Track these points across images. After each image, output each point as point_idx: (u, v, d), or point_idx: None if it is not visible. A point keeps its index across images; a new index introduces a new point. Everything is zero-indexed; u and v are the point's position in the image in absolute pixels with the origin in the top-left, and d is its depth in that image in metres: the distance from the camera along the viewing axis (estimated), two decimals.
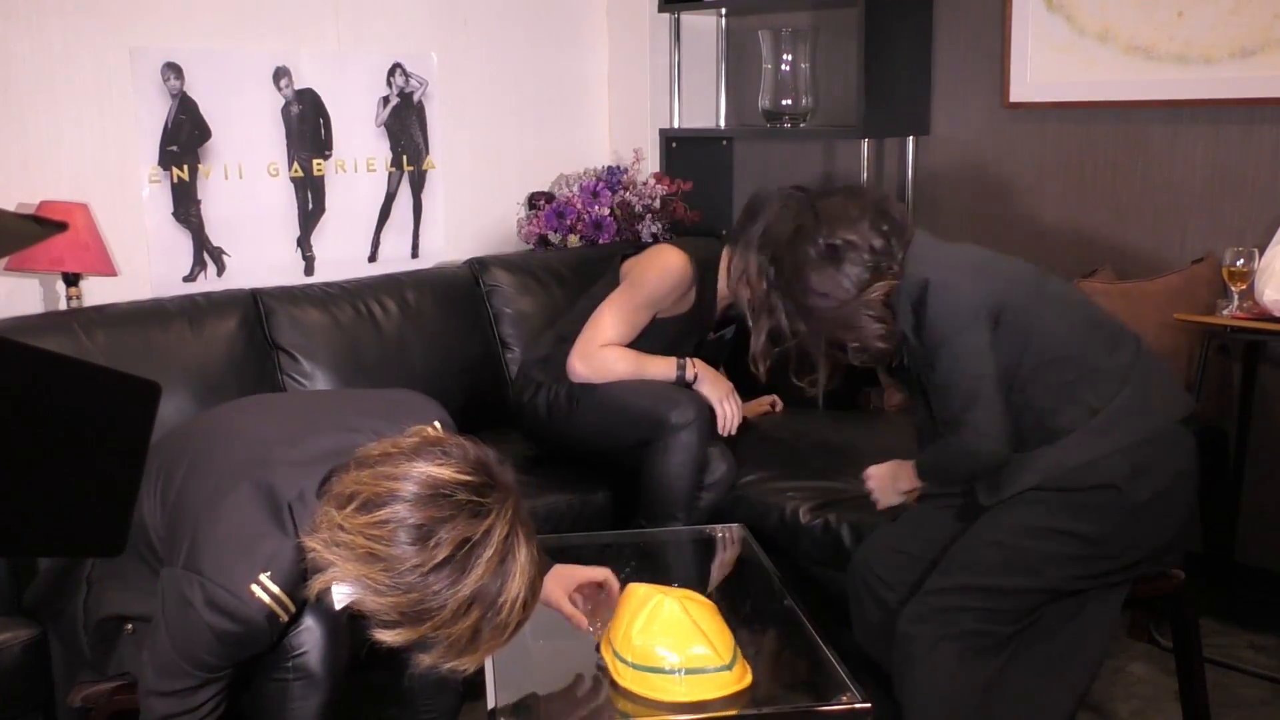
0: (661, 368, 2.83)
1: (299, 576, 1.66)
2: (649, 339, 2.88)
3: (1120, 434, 2.04)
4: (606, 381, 2.80)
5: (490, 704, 1.79)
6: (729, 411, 2.85)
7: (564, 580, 2.00)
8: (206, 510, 1.71)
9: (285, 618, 1.69)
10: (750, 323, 2.52)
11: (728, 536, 2.54)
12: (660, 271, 2.85)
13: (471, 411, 3.32)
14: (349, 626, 1.80)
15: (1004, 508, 2.08)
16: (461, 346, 3.30)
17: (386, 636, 1.59)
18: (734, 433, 2.87)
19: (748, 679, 1.81)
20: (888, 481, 2.39)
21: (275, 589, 1.65)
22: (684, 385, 2.83)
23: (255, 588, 1.64)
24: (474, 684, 2.00)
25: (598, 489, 2.88)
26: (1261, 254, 2.67)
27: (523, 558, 1.59)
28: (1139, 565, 2.10)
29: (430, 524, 1.54)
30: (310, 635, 1.77)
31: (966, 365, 2.03)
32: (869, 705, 1.73)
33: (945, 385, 2.07)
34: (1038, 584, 2.04)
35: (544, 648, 2.04)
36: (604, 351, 2.82)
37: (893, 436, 3.19)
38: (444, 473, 1.58)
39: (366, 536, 1.55)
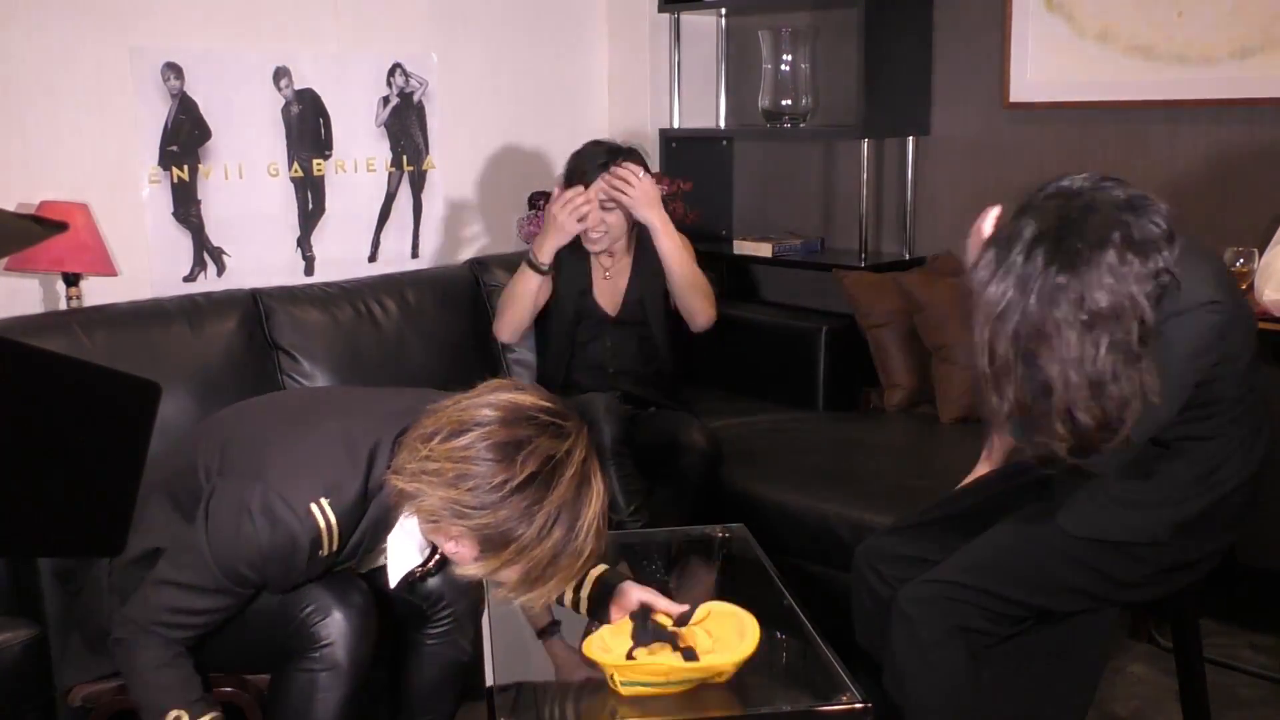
0: (524, 279, 3.05)
1: (356, 517, 1.73)
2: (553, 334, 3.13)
3: (1224, 513, 1.96)
4: (514, 319, 3.09)
5: (490, 703, 1.79)
6: (566, 211, 2.95)
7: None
8: (283, 438, 1.78)
9: (328, 550, 1.73)
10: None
11: (727, 536, 2.54)
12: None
13: None
14: (374, 617, 1.86)
15: (1046, 524, 2.02)
16: (461, 346, 3.30)
17: (470, 569, 1.66)
18: (583, 206, 2.96)
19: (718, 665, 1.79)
20: None
21: (331, 516, 1.70)
22: (538, 268, 3.01)
23: (314, 507, 1.70)
24: (474, 684, 2.00)
25: None
26: (1261, 254, 2.67)
27: (598, 484, 1.67)
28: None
29: (514, 442, 1.61)
30: (337, 627, 1.80)
31: (1184, 355, 1.82)
32: (869, 705, 1.73)
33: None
34: (1050, 604, 2.03)
35: (544, 648, 2.04)
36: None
37: (892, 436, 3.20)
38: (524, 398, 1.67)
39: (453, 460, 1.62)
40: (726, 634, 1.82)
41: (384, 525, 1.79)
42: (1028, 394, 1.73)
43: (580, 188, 2.97)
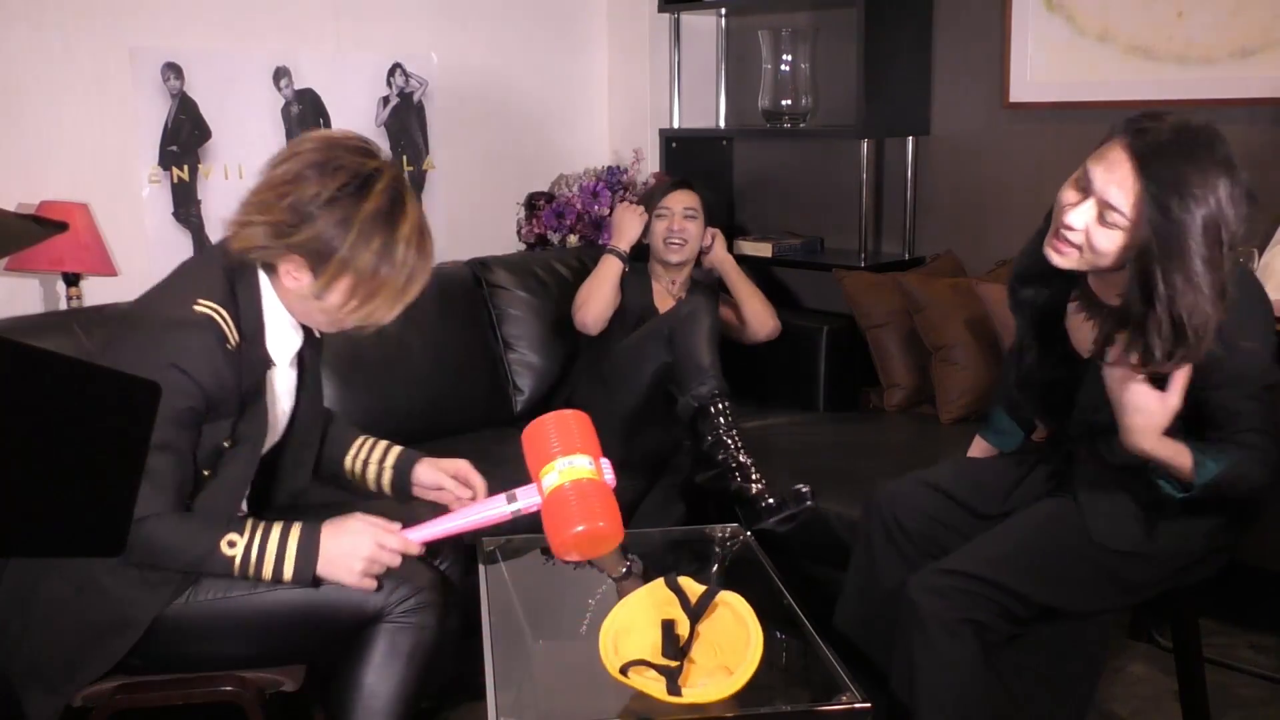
0: (607, 267, 3.24)
1: (234, 302, 1.85)
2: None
3: (1246, 512, 1.99)
4: (599, 306, 3.22)
5: (491, 704, 1.78)
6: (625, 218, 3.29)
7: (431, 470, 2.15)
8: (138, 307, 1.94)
9: (234, 340, 1.82)
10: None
11: (727, 536, 2.54)
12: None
13: (471, 411, 3.33)
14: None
15: (1066, 526, 2.01)
16: (461, 346, 3.30)
17: (312, 302, 1.84)
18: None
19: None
20: (1158, 417, 1.87)
21: (215, 305, 1.82)
22: (621, 256, 3.24)
23: (196, 306, 1.81)
24: (474, 684, 2.00)
25: None
26: (1261, 254, 2.67)
27: (413, 204, 1.85)
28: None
29: (326, 161, 1.79)
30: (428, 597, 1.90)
31: (1261, 375, 1.87)
32: (869, 705, 1.72)
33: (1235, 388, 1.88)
34: (1062, 604, 2.02)
35: (544, 648, 2.04)
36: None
37: (892, 436, 3.20)
38: (336, 133, 1.88)
39: (274, 187, 1.81)
40: (731, 649, 1.80)
41: (255, 305, 1.89)
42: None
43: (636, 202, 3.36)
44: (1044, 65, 3.27)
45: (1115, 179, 1.80)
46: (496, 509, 1.88)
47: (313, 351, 2.08)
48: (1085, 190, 1.86)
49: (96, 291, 2.94)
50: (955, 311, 3.15)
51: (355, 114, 3.42)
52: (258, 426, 1.91)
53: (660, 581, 1.85)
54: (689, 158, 3.96)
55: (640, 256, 3.31)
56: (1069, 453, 2.13)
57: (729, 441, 2.80)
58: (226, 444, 1.86)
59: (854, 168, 3.62)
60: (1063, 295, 2.05)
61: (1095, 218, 1.84)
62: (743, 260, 3.84)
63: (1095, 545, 1.97)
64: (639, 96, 4.03)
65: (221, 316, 1.82)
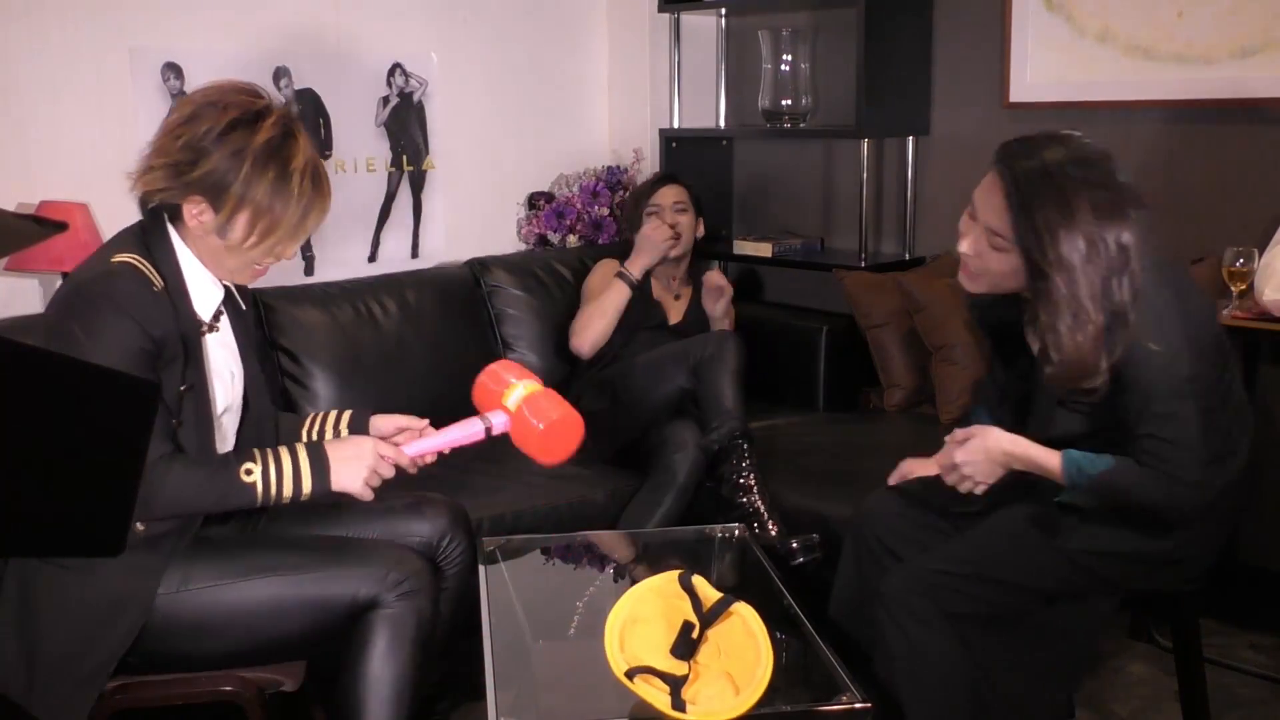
0: (615, 293, 3.22)
1: (152, 254, 1.89)
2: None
3: (1215, 513, 1.99)
4: (599, 333, 3.21)
5: (491, 704, 1.79)
6: (659, 237, 3.24)
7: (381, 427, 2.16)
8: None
9: (159, 284, 1.87)
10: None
11: (727, 536, 2.54)
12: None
13: (471, 411, 3.32)
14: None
15: (1040, 528, 2.03)
16: (461, 346, 3.30)
17: (214, 238, 1.89)
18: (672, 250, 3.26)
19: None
20: (982, 457, 2.03)
21: (133, 257, 1.87)
22: (632, 284, 3.23)
23: (114, 259, 1.85)
24: (475, 684, 2.00)
25: (597, 489, 2.88)
26: (1261, 254, 2.67)
27: (305, 139, 1.91)
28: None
29: (216, 101, 1.87)
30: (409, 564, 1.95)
31: (1169, 378, 1.87)
32: (869, 705, 1.72)
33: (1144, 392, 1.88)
34: (1035, 595, 2.05)
35: (544, 648, 2.04)
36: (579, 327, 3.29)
37: (892, 436, 3.20)
38: (224, 80, 1.94)
39: (171, 134, 1.87)
40: (739, 661, 1.79)
41: (171, 258, 1.92)
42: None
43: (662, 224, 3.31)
44: (1044, 65, 3.27)
45: (992, 205, 1.93)
46: (472, 428, 2.04)
47: (242, 320, 2.11)
48: (974, 217, 1.98)
49: None
50: (955, 311, 3.15)
51: (355, 114, 3.42)
52: (202, 375, 1.94)
53: (673, 575, 1.85)
54: (689, 158, 3.96)
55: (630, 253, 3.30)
56: None
57: (750, 484, 2.79)
58: (183, 388, 1.89)
59: (854, 168, 3.62)
60: (1017, 311, 2.07)
61: (986, 243, 1.95)
62: (743, 260, 3.85)
63: (1068, 548, 2.00)
64: (639, 96, 4.03)
65: (139, 263, 1.87)
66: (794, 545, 2.67)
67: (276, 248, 1.93)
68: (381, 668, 1.91)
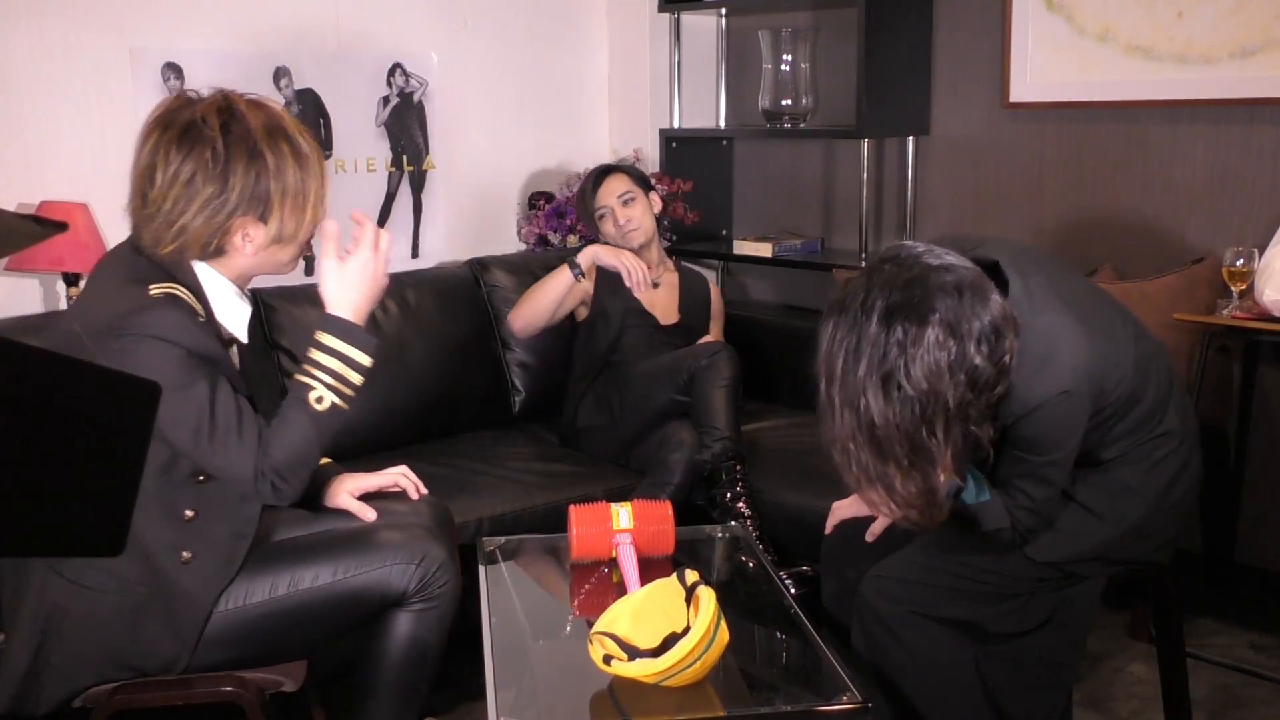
0: (556, 277, 3.13)
1: (170, 275, 1.84)
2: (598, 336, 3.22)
3: (1169, 508, 1.99)
4: (531, 312, 3.16)
5: (491, 704, 1.79)
6: (630, 265, 3.08)
7: (351, 485, 2.14)
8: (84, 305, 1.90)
9: (201, 311, 1.84)
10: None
11: (727, 536, 2.54)
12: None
13: (471, 411, 3.33)
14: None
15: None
16: (461, 346, 3.30)
17: (267, 249, 1.88)
18: (642, 286, 3.10)
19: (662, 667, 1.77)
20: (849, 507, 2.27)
21: (167, 285, 1.81)
22: (578, 273, 3.12)
23: (151, 290, 1.79)
24: (475, 684, 2.00)
25: (597, 489, 2.88)
26: (1261, 254, 2.67)
27: (245, 101, 1.88)
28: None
29: (183, 136, 1.81)
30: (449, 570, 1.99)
31: (1060, 439, 1.86)
32: (869, 705, 1.73)
33: (1031, 442, 1.86)
34: (1004, 588, 2.04)
35: (544, 648, 2.04)
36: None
37: None
38: (157, 112, 1.88)
39: (170, 188, 1.81)
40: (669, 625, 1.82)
41: (198, 287, 1.89)
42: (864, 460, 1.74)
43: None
44: (1044, 65, 3.27)
45: None
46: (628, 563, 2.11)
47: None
48: None
49: None
50: None
51: (355, 114, 3.42)
52: (243, 387, 1.94)
53: (672, 579, 1.87)
54: (689, 158, 3.96)
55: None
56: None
57: (741, 511, 2.79)
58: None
59: (854, 168, 3.62)
60: None
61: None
62: (743, 260, 3.85)
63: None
64: (639, 96, 4.03)
65: (181, 293, 1.82)
66: (783, 576, 2.64)
67: (317, 218, 1.94)
68: (409, 648, 1.98)
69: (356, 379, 1.92)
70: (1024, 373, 1.76)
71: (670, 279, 3.33)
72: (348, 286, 1.94)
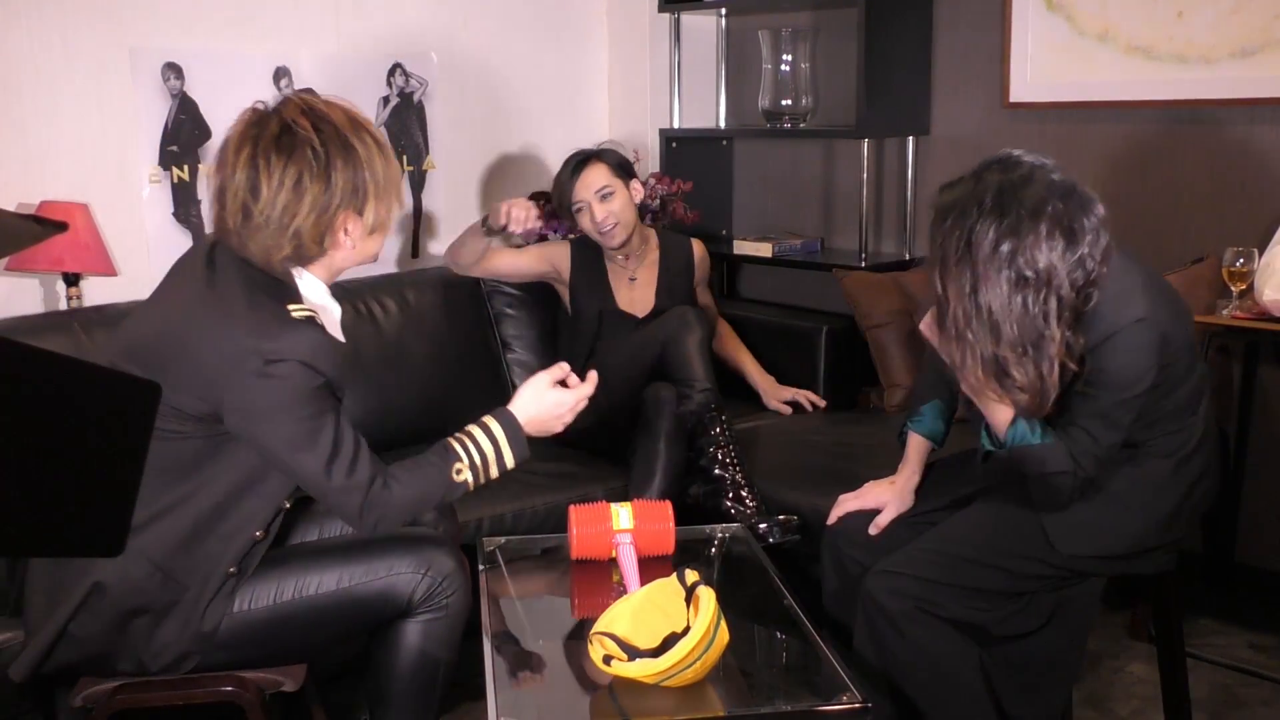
0: (469, 232, 3.12)
1: (290, 291, 1.91)
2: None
3: (1191, 502, 2.02)
4: (454, 257, 3.18)
5: (491, 704, 1.79)
6: (514, 215, 2.98)
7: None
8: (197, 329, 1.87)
9: (321, 320, 1.91)
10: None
11: (727, 536, 2.54)
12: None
13: (471, 411, 3.31)
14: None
15: (1009, 518, 2.05)
16: (461, 346, 3.30)
17: (364, 240, 1.95)
18: (527, 224, 3.00)
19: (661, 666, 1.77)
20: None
21: (300, 306, 1.88)
22: (495, 229, 3.05)
23: (292, 311, 1.85)
24: (475, 684, 2.00)
25: (597, 488, 2.88)
26: (1261, 254, 2.67)
27: (333, 107, 1.97)
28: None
29: (284, 144, 1.85)
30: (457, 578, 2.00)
31: (1132, 377, 1.88)
32: (869, 705, 1.73)
33: (1106, 375, 1.89)
34: (1012, 586, 2.06)
35: (544, 648, 2.04)
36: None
37: (891, 436, 3.19)
38: (237, 131, 1.90)
39: (277, 192, 1.83)
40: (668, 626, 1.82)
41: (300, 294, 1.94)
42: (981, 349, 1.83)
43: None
44: (1044, 65, 3.27)
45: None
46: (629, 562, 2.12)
47: None
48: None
49: (96, 291, 2.94)
50: None
51: None
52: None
53: (672, 579, 1.87)
54: (689, 158, 3.96)
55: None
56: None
57: (722, 457, 2.78)
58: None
59: (854, 168, 3.62)
60: None
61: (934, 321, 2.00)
62: (743, 260, 3.85)
63: (1043, 544, 2.01)
64: (639, 96, 4.03)
65: (311, 308, 1.90)
66: (766, 526, 2.66)
67: (399, 202, 1.99)
68: (418, 658, 1.99)
69: (495, 473, 2.01)
70: (1105, 297, 1.84)
71: (651, 259, 3.24)
72: (540, 403, 2.06)
